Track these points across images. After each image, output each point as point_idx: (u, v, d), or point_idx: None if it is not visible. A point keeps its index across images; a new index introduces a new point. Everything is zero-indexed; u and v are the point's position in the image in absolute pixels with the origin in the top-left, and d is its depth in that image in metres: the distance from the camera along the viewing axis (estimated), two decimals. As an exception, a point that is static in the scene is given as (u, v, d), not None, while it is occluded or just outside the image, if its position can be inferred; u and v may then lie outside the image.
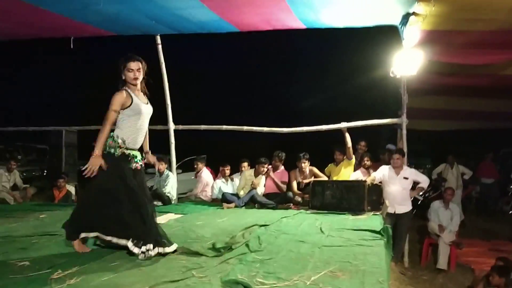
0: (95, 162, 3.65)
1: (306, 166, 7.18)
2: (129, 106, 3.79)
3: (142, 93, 3.95)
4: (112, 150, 3.78)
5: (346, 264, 3.53)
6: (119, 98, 3.75)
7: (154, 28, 6.90)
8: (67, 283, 3.11)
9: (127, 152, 3.82)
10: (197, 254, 3.88)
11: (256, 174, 7.22)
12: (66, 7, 5.80)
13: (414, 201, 7.53)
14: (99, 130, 3.71)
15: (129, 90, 3.83)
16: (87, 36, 7.27)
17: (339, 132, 7.13)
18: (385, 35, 6.95)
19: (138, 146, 3.93)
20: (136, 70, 3.80)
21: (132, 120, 3.83)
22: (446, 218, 6.99)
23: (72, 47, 7.30)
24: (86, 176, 3.69)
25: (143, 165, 3.99)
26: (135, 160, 3.88)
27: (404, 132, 6.85)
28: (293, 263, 3.61)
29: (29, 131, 8.81)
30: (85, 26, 6.65)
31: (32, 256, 3.82)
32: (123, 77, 3.83)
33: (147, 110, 3.94)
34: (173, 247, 3.87)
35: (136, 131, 3.87)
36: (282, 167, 7.56)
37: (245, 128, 7.57)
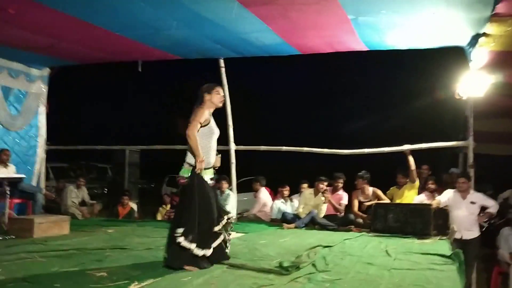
0: (201, 166, 3.94)
1: (365, 185, 7.10)
2: (207, 124, 4.08)
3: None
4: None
5: (419, 288, 3.46)
6: (204, 112, 4.06)
7: (218, 52, 7.14)
8: (145, 295, 3.24)
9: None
10: (265, 271, 3.93)
11: (316, 193, 7.23)
12: (139, 32, 6.11)
13: (479, 228, 7.24)
14: (188, 143, 3.97)
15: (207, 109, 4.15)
16: (154, 59, 7.61)
17: (398, 154, 7.02)
18: (448, 56, 6.86)
19: (210, 165, 4.16)
20: (222, 95, 4.24)
21: (206, 139, 4.10)
22: (517, 245, 6.65)
23: (140, 70, 7.67)
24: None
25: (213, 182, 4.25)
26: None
27: (471, 154, 6.64)
28: (363, 285, 3.58)
29: (96, 149, 9.25)
30: (153, 50, 6.98)
31: (108, 267, 4.01)
32: (207, 98, 4.13)
33: (218, 131, 4.25)
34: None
35: (208, 151, 4.12)
36: (341, 189, 7.47)
37: (305, 149, 7.59)
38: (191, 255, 3.90)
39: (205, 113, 4.07)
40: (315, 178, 7.37)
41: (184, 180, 4.03)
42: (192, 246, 3.88)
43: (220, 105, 4.25)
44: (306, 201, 7.27)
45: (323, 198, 7.18)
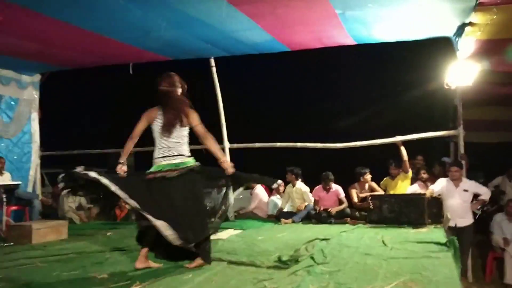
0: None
1: (368, 180, 7.20)
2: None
3: None
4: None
5: (416, 275, 3.54)
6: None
7: (208, 51, 7.16)
8: (147, 294, 3.28)
9: None
10: (265, 266, 3.99)
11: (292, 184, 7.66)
12: (128, 34, 6.11)
13: (473, 215, 7.36)
14: (210, 144, 4.08)
15: None
16: (145, 61, 7.61)
17: (389, 146, 7.12)
18: (436, 47, 6.93)
19: None
20: None
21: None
22: (510, 231, 6.76)
23: (131, 72, 7.68)
24: None
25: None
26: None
27: (462, 143, 6.73)
28: (362, 275, 3.64)
29: (91, 154, 9.27)
30: (143, 52, 6.97)
31: (109, 269, 4.04)
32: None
33: None
34: None
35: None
36: (333, 184, 7.49)
37: (299, 145, 7.64)
38: None
39: None
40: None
41: None
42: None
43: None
44: (289, 195, 7.60)
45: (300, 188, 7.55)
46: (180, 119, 4.02)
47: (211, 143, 4.13)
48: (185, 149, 4.08)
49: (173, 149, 4.02)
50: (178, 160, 4.01)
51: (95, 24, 5.65)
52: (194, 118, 4.08)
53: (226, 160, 4.18)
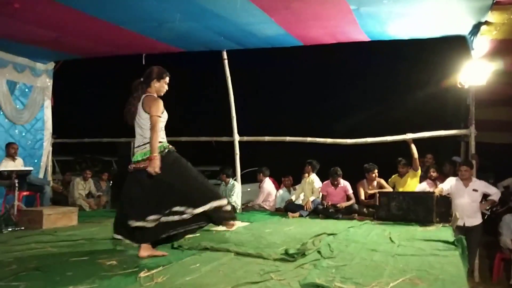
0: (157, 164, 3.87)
1: (376, 177, 7.19)
2: (162, 112, 4.07)
3: None
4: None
5: (423, 273, 3.53)
6: (161, 105, 4.02)
7: (221, 44, 7.18)
8: (155, 281, 3.30)
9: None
10: (271, 259, 4.00)
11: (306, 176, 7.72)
12: (142, 25, 6.16)
13: (481, 215, 7.33)
14: (152, 137, 3.89)
15: None
16: (158, 52, 7.65)
17: (399, 144, 7.10)
18: (450, 45, 6.89)
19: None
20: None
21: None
22: (519, 232, 6.72)
23: (144, 63, 7.72)
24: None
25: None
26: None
27: (473, 143, 6.70)
28: (368, 270, 3.64)
29: (102, 143, 9.37)
30: (157, 43, 7.03)
31: (118, 256, 4.08)
32: (156, 85, 4.12)
33: (166, 115, 4.20)
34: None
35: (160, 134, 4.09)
36: (341, 180, 7.49)
37: (309, 139, 7.64)
38: None
39: (161, 105, 4.03)
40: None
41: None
42: None
43: (162, 95, 4.19)
44: (302, 187, 7.64)
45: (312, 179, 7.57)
46: None
47: None
48: None
49: None
50: None
51: (110, 13, 5.71)
52: None
53: None
